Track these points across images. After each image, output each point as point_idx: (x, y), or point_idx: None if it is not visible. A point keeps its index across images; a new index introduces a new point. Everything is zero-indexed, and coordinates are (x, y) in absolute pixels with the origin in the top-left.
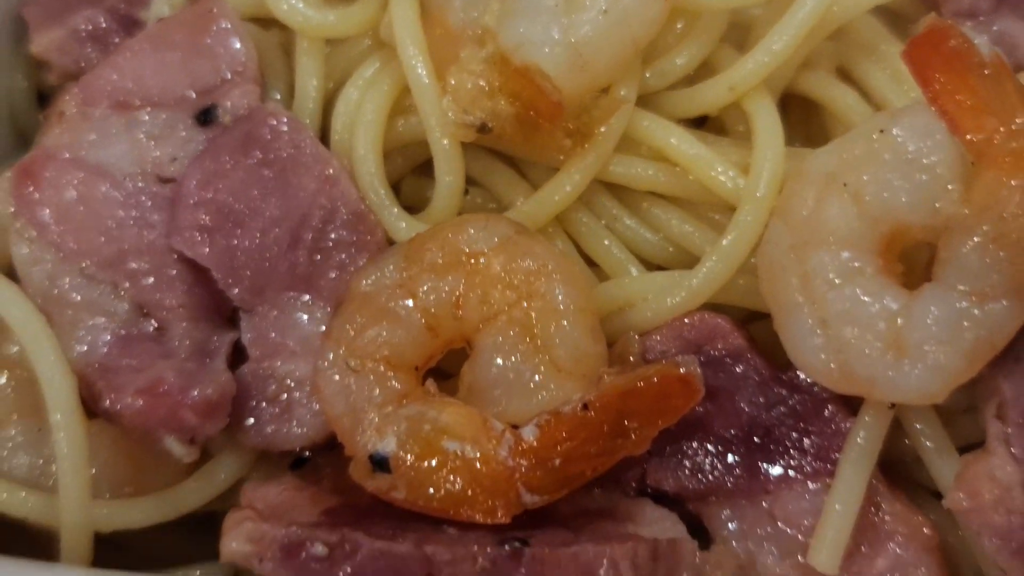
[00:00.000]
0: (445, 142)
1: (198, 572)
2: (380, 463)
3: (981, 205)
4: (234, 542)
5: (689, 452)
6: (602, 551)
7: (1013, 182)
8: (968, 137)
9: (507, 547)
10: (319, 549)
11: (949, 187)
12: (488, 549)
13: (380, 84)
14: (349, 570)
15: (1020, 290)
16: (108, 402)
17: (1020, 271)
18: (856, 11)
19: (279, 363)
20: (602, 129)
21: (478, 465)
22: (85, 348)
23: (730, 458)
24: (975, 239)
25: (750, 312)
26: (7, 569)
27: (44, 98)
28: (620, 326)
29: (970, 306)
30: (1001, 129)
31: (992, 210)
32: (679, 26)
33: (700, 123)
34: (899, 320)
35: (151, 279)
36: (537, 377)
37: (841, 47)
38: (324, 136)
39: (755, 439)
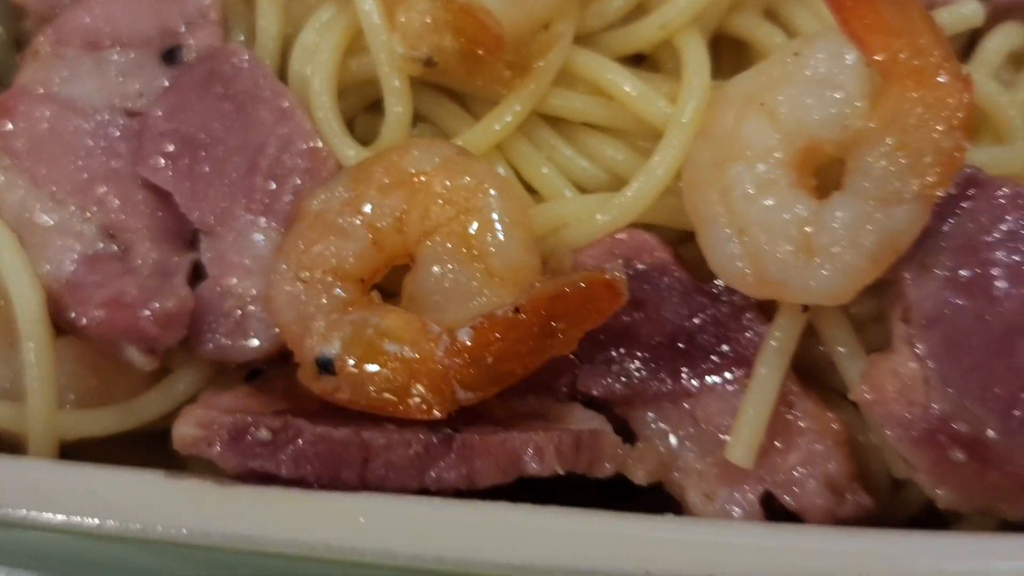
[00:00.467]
0: (395, 78)
1: None
2: (325, 365)
3: (886, 118)
4: (185, 427)
5: (616, 359)
6: (527, 438)
7: (914, 94)
8: (875, 57)
9: (439, 433)
10: (263, 433)
11: (857, 104)
12: (421, 435)
13: (335, 26)
14: (291, 452)
15: (920, 195)
16: (74, 315)
17: (921, 176)
18: None
19: (235, 280)
20: (541, 63)
21: (416, 365)
22: (53, 267)
23: (655, 364)
24: (880, 149)
25: (681, 233)
26: None
27: (21, 46)
28: (556, 244)
29: (874, 210)
30: (905, 49)
31: (896, 122)
32: None
33: (639, 62)
34: (808, 226)
35: (116, 203)
36: (473, 284)
37: None
38: (283, 75)
39: (679, 345)
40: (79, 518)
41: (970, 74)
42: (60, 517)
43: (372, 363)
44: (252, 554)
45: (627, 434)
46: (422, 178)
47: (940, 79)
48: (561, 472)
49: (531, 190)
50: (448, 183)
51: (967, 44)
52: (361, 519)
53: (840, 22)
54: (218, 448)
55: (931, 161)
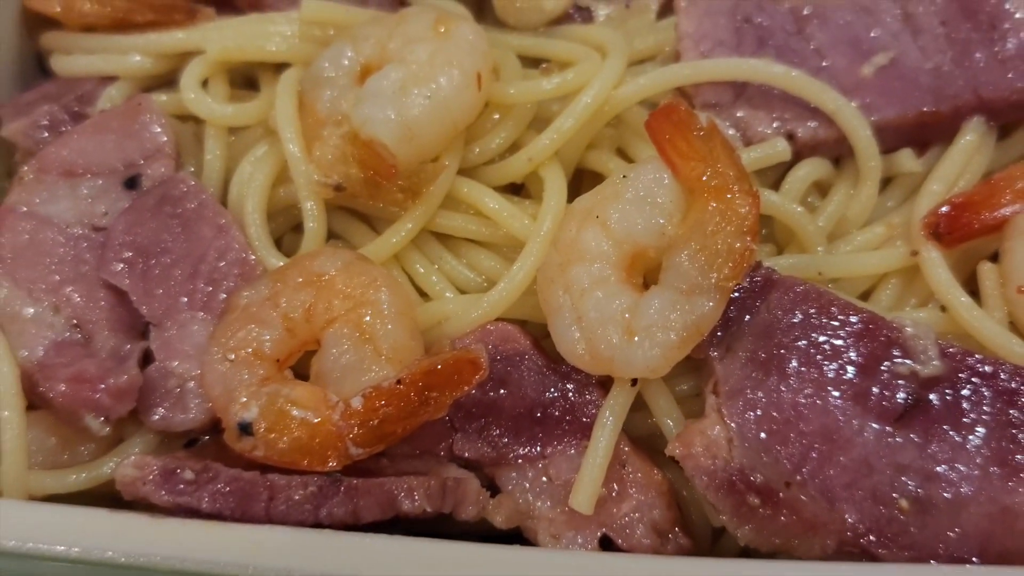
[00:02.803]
0: (312, 201)
1: None
2: (245, 428)
3: (691, 226)
4: (125, 468)
5: (485, 428)
6: (402, 482)
7: (713, 206)
8: (684, 177)
9: (331, 477)
10: (187, 474)
11: (672, 216)
12: (316, 479)
13: (267, 160)
14: (210, 490)
15: (717, 286)
16: (43, 389)
17: (719, 271)
18: (626, 104)
19: (177, 363)
20: (430, 189)
21: (317, 427)
22: (28, 351)
23: (516, 432)
24: (686, 251)
25: (544, 327)
26: None
27: (10, 175)
28: (438, 335)
29: (682, 299)
30: (707, 171)
31: (699, 228)
32: (496, 116)
33: (518, 190)
34: (629, 313)
35: (82, 300)
36: (365, 363)
37: (619, 132)
38: (224, 199)
39: (536, 415)
40: (36, 545)
41: (759, 191)
42: (17, 543)
43: (282, 425)
44: (176, 572)
45: (494, 489)
46: (326, 278)
47: (733, 194)
48: (430, 510)
49: (422, 292)
50: (347, 281)
51: (781, 175)
52: (266, 545)
53: (659, 151)
54: (150, 486)
55: (725, 259)
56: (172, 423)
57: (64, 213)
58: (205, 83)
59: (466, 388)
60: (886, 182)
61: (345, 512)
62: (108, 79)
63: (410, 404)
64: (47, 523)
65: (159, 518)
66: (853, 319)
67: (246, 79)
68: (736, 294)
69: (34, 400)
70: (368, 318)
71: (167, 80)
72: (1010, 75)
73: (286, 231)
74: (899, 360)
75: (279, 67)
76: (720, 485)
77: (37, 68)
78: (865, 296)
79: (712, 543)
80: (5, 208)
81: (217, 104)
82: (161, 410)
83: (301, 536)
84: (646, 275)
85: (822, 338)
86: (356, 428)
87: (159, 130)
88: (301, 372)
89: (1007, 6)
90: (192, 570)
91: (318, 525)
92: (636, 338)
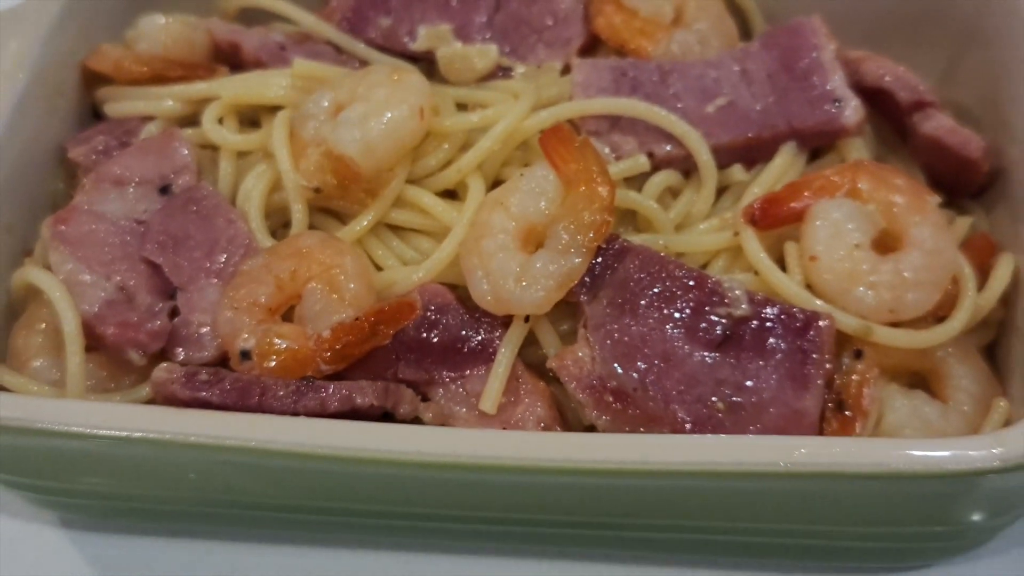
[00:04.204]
0: (298, 202)
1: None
2: (245, 354)
3: (567, 206)
4: (159, 372)
5: (420, 358)
6: (356, 384)
7: (581, 190)
8: (563, 173)
9: (305, 380)
10: (203, 376)
11: (553, 200)
12: (294, 381)
13: (265, 175)
14: (219, 388)
15: (584, 247)
16: (99, 331)
17: (584, 236)
18: (531, 132)
19: (196, 315)
20: (385, 192)
21: (296, 351)
22: (88, 306)
23: (442, 361)
24: (562, 224)
25: (465, 289)
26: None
27: (73, 186)
28: (389, 295)
29: (558, 257)
30: (579, 169)
31: (572, 207)
32: (436, 143)
33: (453, 195)
34: (519, 268)
35: (127, 271)
36: (333, 308)
37: (525, 153)
38: (233, 202)
39: (457, 347)
40: (93, 429)
41: (614, 180)
42: (80, 429)
43: (272, 351)
44: (195, 446)
45: (426, 399)
46: (306, 249)
47: (596, 183)
48: (376, 404)
49: (378, 266)
50: (322, 251)
51: (644, 183)
52: (258, 424)
53: (546, 156)
54: (177, 384)
55: (588, 227)
56: (192, 358)
57: (115, 211)
58: (221, 120)
59: (405, 322)
60: (722, 190)
61: (315, 404)
62: (148, 118)
63: (364, 333)
64: (101, 412)
65: (180, 409)
66: (685, 275)
67: (250, 119)
68: (600, 257)
69: (91, 342)
70: (336, 275)
71: (192, 119)
72: (815, 112)
73: (278, 227)
74: (718, 304)
75: (275, 109)
76: (586, 387)
77: (92, 115)
78: (702, 268)
79: None
80: (72, 207)
81: (229, 135)
82: (183, 349)
83: (281, 420)
84: (537, 244)
85: (662, 288)
86: (326, 351)
87: (186, 152)
88: (288, 319)
89: (815, 65)
90: (207, 443)
91: (295, 414)
92: (524, 284)
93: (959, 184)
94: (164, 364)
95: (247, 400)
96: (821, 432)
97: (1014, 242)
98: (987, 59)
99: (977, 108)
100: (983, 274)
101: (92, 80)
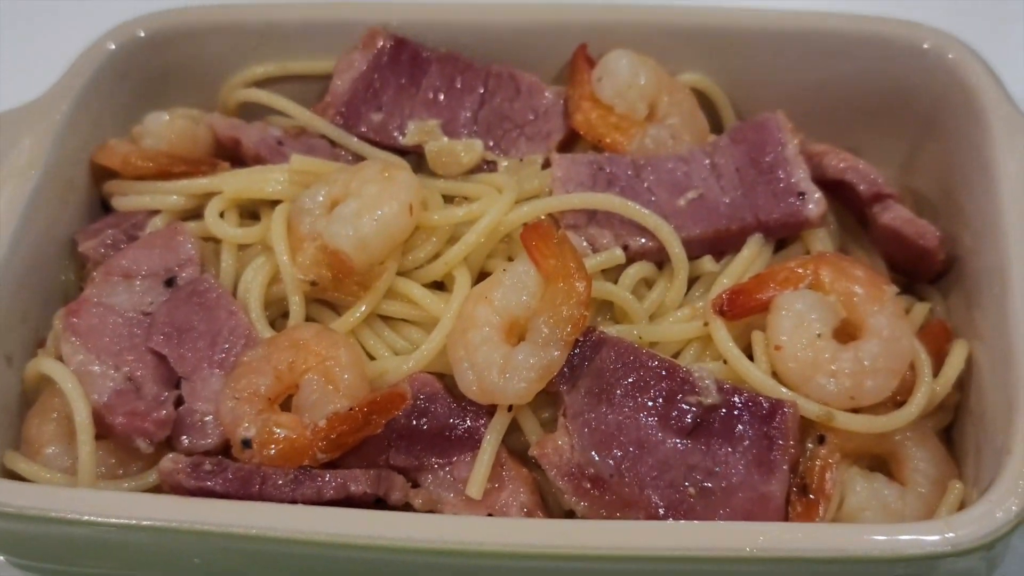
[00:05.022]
0: (295, 294)
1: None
2: (246, 443)
3: (546, 300)
4: (165, 462)
5: (410, 445)
6: (351, 473)
7: (560, 286)
8: (543, 268)
9: (303, 470)
10: (207, 466)
11: (534, 294)
12: (293, 470)
13: (263, 268)
14: (222, 477)
15: (561, 341)
16: (108, 421)
17: (563, 330)
18: (514, 226)
19: (199, 404)
20: (377, 284)
21: (294, 440)
22: (98, 395)
23: (431, 448)
24: (542, 318)
25: (452, 379)
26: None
27: (83, 278)
28: (381, 384)
29: (538, 350)
30: (558, 264)
31: (551, 301)
32: (424, 236)
33: (441, 286)
34: (503, 360)
35: (134, 362)
36: (328, 398)
37: (509, 245)
38: (234, 294)
39: (445, 435)
40: (100, 518)
41: (590, 274)
42: (91, 517)
43: (271, 440)
44: (197, 533)
45: (416, 486)
46: (303, 341)
47: (574, 278)
48: (369, 492)
49: (371, 356)
50: (318, 343)
51: (619, 274)
52: (257, 511)
53: (527, 252)
54: (182, 473)
55: (567, 322)
56: (195, 446)
57: (123, 303)
58: (222, 214)
59: (395, 412)
60: (693, 280)
61: (312, 492)
62: (153, 212)
63: (358, 423)
64: (109, 501)
65: (186, 498)
66: (658, 366)
67: (250, 212)
68: (578, 348)
69: (100, 430)
70: (331, 367)
71: (195, 213)
72: (780, 205)
73: (276, 317)
74: (689, 393)
75: (275, 203)
76: (565, 475)
77: (100, 206)
78: (675, 357)
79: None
80: (82, 299)
81: (230, 228)
82: (187, 437)
83: (280, 508)
84: (520, 336)
85: (636, 378)
86: (321, 441)
87: (190, 246)
88: (286, 407)
89: (780, 159)
90: (209, 531)
91: (293, 501)
92: (507, 375)
93: (917, 270)
94: (171, 455)
95: (248, 489)
96: (787, 514)
97: (969, 326)
98: (944, 150)
99: (935, 196)
100: (939, 359)
101: (100, 173)
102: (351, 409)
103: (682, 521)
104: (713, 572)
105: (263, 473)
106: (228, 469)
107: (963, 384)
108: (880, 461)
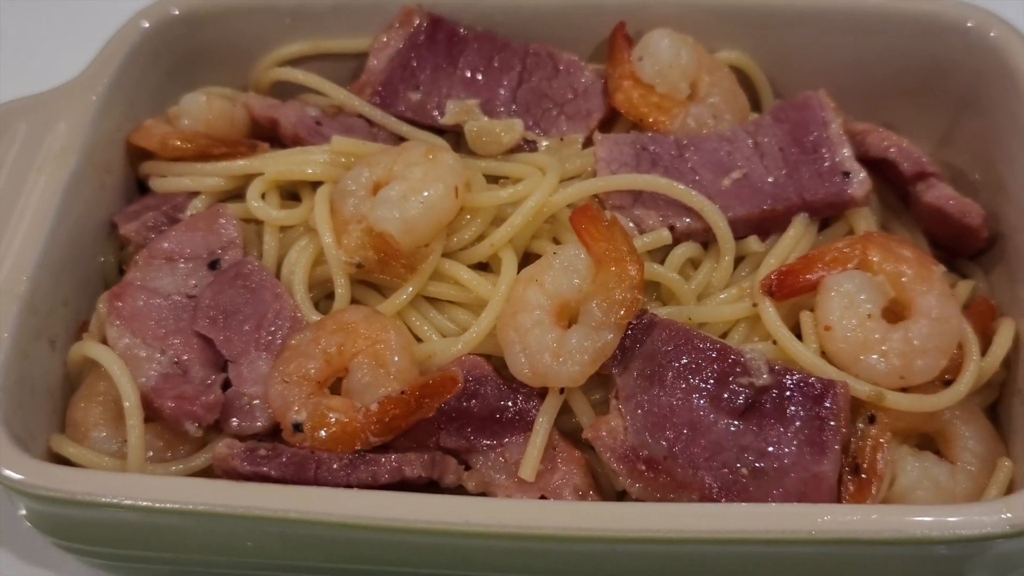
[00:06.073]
0: (340, 276)
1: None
2: (297, 427)
3: (599, 284)
4: (220, 447)
5: (461, 427)
6: (405, 456)
7: (612, 270)
8: (594, 252)
9: (357, 454)
10: (262, 451)
11: (586, 278)
12: (347, 455)
13: (308, 249)
14: (277, 462)
15: (615, 324)
16: (156, 405)
17: (616, 314)
18: (558, 207)
19: (247, 388)
20: (423, 266)
21: (346, 424)
22: (145, 380)
23: (482, 430)
24: (595, 301)
25: (502, 360)
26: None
27: (123, 263)
28: (429, 366)
29: (591, 333)
30: (609, 248)
31: (603, 285)
32: (468, 217)
33: (485, 267)
34: (556, 344)
35: (180, 345)
36: (379, 381)
37: (553, 226)
38: (278, 275)
39: (496, 417)
40: (153, 503)
41: (644, 261)
42: (146, 503)
43: (322, 424)
44: (254, 518)
45: (468, 468)
46: (352, 325)
47: (626, 262)
48: (424, 475)
49: (418, 338)
50: (367, 327)
51: (666, 254)
52: (313, 496)
53: (577, 235)
54: (237, 459)
55: (620, 305)
56: (244, 429)
57: (167, 286)
58: (263, 196)
59: (448, 396)
60: (739, 259)
61: (367, 476)
62: (193, 194)
63: (410, 407)
64: (164, 487)
65: (241, 483)
66: (710, 347)
67: (291, 193)
68: (630, 331)
69: (148, 414)
70: (381, 350)
71: (236, 194)
72: (825, 184)
73: (321, 298)
74: (741, 374)
75: (315, 184)
76: (619, 457)
77: (137, 187)
78: (723, 336)
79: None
80: (126, 283)
81: (272, 210)
82: (236, 420)
83: (336, 493)
84: (570, 319)
85: (688, 360)
86: (374, 424)
87: (232, 229)
88: (335, 391)
89: (824, 139)
90: (266, 515)
91: (348, 486)
92: (561, 359)
93: (959, 248)
94: (225, 440)
95: (303, 473)
96: (839, 494)
97: (1012, 304)
98: (984, 126)
99: (974, 171)
100: (985, 338)
101: (137, 154)
102: (403, 392)
103: (741, 503)
104: (772, 554)
105: (318, 458)
106: (283, 454)
107: (1009, 362)
108: (928, 439)
